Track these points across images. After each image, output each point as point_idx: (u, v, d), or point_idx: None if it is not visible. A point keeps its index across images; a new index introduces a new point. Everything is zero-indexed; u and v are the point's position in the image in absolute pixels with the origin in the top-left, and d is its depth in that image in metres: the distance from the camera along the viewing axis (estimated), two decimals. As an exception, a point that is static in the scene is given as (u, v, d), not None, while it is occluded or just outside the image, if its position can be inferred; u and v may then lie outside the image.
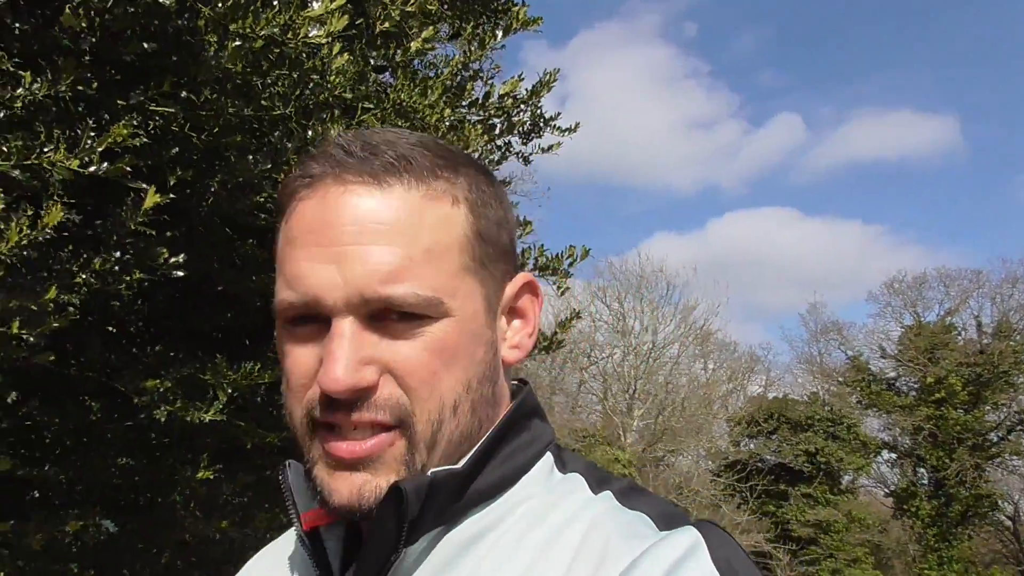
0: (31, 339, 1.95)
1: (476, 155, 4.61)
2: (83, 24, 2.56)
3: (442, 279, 0.69)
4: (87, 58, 2.51)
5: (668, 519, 0.69)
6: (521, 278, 0.78)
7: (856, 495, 28.96)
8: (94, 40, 2.62)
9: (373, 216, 0.68)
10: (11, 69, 2.39)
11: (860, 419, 29.09)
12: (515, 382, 0.83)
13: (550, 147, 5.08)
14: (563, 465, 0.78)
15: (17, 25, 2.58)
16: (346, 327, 0.67)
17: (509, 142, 4.84)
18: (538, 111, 4.75)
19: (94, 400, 2.92)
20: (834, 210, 52.38)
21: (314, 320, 0.70)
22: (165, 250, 2.40)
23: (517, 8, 3.75)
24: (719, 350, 27.90)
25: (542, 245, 3.92)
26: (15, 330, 1.93)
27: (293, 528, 0.86)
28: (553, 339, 3.95)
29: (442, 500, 0.69)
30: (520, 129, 4.75)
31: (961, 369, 28.42)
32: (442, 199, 0.71)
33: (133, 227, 2.17)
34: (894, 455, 30.34)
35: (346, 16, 2.59)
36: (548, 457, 0.78)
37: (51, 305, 2.06)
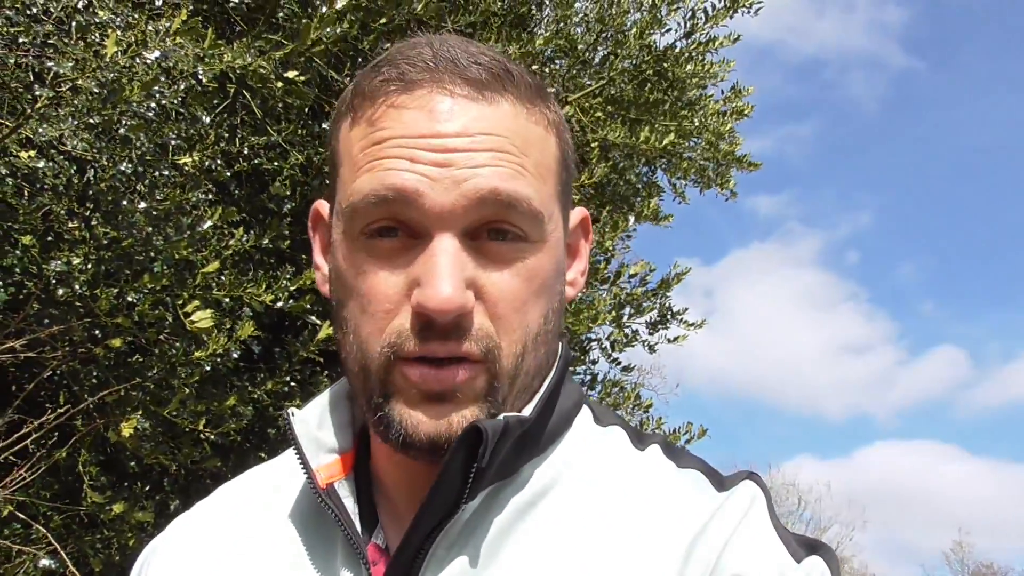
0: (212, 437, 2.31)
1: (601, 329, 4.90)
2: (287, 192, 3.13)
3: (545, 199, 0.65)
4: (288, 219, 3.05)
5: (717, 476, 0.70)
6: (578, 213, 0.75)
7: None
8: (293, 205, 3.19)
9: (484, 127, 0.62)
10: (225, 227, 2.94)
11: None
12: None
13: (675, 338, 5.33)
14: (598, 419, 0.75)
15: (237, 191, 3.19)
16: (449, 243, 0.61)
17: (636, 331, 5.13)
18: (666, 304, 5.06)
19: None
20: (1001, 451, 48.07)
21: (397, 232, 0.63)
22: (327, 380, 2.78)
23: (652, 202, 4.15)
24: (855, 582, 25.62)
25: (660, 418, 4.08)
26: (200, 427, 2.30)
27: (253, 477, 0.79)
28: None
29: (507, 450, 0.64)
30: (649, 319, 5.04)
31: None
32: (539, 122, 0.67)
33: (305, 355, 2.56)
34: None
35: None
36: (586, 410, 0.75)
37: (229, 411, 2.44)
